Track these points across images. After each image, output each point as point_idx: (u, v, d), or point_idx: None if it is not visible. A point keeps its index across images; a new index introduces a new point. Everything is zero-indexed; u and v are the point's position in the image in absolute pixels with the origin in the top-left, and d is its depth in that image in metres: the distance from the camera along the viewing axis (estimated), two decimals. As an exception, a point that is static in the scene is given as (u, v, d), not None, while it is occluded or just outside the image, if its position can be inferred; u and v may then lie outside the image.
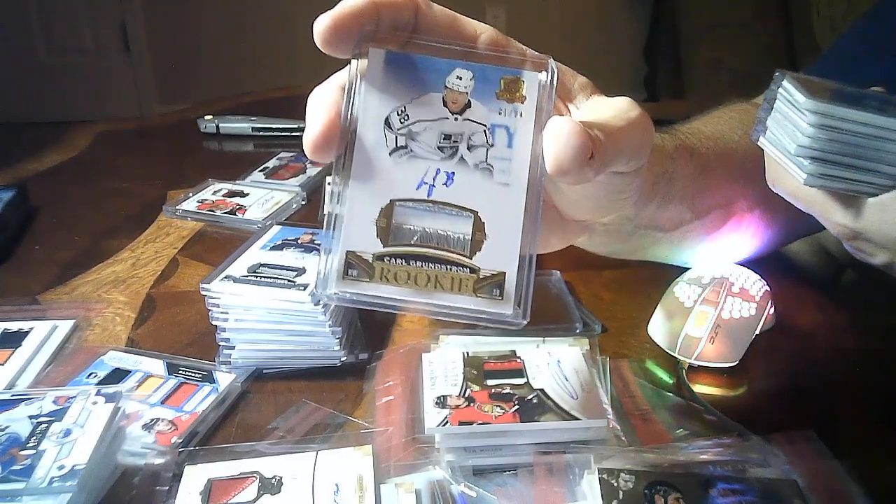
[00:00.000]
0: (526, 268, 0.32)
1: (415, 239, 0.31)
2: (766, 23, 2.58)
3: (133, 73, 3.23)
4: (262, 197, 0.78)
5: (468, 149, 0.32)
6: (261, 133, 1.03)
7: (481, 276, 0.31)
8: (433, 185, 0.32)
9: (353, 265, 0.31)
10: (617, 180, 0.35)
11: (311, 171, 0.86)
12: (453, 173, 0.32)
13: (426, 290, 0.31)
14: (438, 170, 0.32)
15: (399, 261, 0.31)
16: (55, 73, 3.14)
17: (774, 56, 2.47)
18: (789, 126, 0.38)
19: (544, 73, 0.32)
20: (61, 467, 0.37)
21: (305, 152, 0.31)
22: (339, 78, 0.33)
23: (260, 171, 0.87)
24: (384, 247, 0.31)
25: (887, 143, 0.36)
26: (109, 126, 1.09)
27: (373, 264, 0.31)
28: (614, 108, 0.33)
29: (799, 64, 2.45)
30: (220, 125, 1.04)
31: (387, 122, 0.32)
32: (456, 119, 0.32)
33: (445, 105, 0.32)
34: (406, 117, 0.32)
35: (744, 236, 0.55)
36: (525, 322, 0.31)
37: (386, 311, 0.31)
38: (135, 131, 1.14)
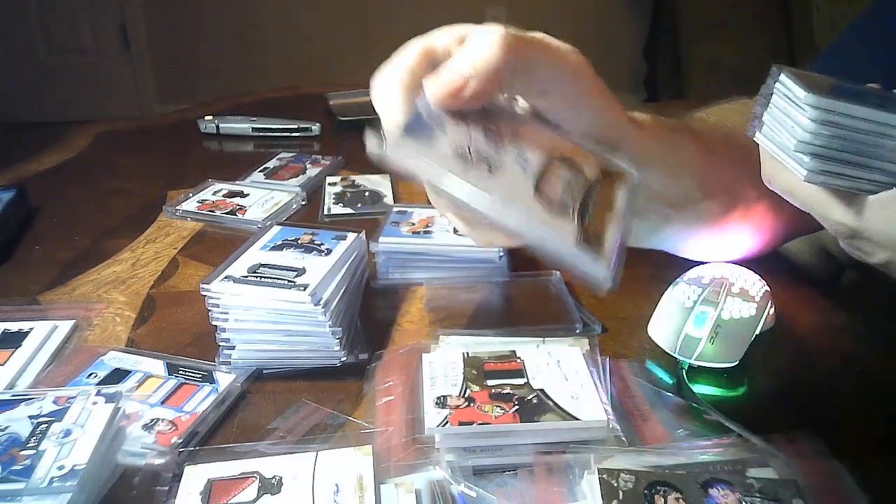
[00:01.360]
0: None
1: None
2: (766, 23, 2.58)
3: (133, 73, 3.23)
4: (262, 197, 0.78)
5: None
6: (261, 133, 1.03)
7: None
8: None
9: None
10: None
11: (311, 171, 0.86)
12: None
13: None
14: None
15: None
16: (55, 73, 3.14)
17: (774, 56, 2.47)
18: (788, 121, 0.37)
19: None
20: (61, 467, 0.37)
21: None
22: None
23: (260, 171, 0.87)
24: None
25: (887, 140, 0.36)
26: (109, 126, 1.09)
27: None
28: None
29: (799, 64, 2.45)
30: (220, 125, 1.04)
31: None
32: None
33: None
34: None
35: (753, 227, 0.55)
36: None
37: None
38: (135, 131, 1.14)
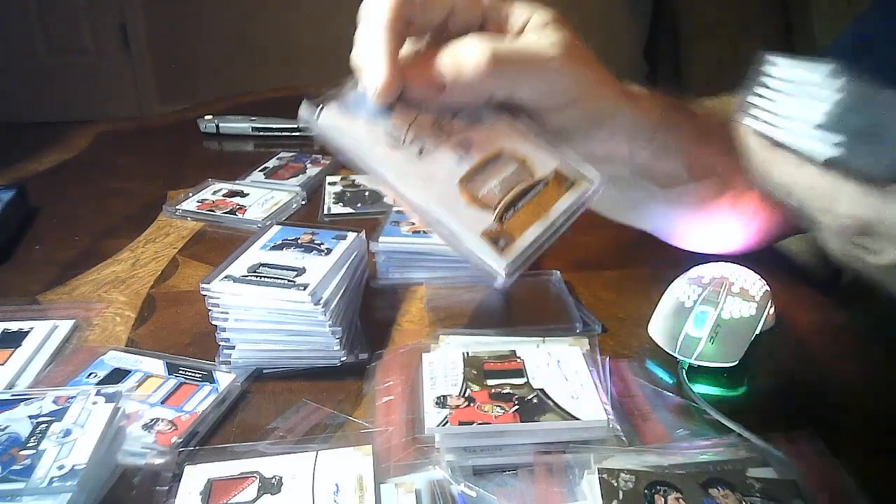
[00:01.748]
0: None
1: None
2: (766, 23, 2.58)
3: (133, 73, 3.23)
4: (262, 197, 0.78)
5: None
6: (261, 133, 1.03)
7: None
8: None
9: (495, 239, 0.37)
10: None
11: (311, 170, 0.86)
12: None
13: None
14: None
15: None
16: (55, 73, 3.14)
17: (774, 56, 2.47)
18: (800, 105, 0.36)
19: None
20: (61, 467, 0.37)
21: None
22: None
23: (260, 170, 0.87)
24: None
25: None
26: (109, 126, 1.09)
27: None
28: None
29: (799, 64, 2.45)
30: (220, 125, 1.04)
31: None
32: None
33: None
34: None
35: (744, 217, 0.54)
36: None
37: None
38: (135, 131, 1.14)
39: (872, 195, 0.35)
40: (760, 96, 0.38)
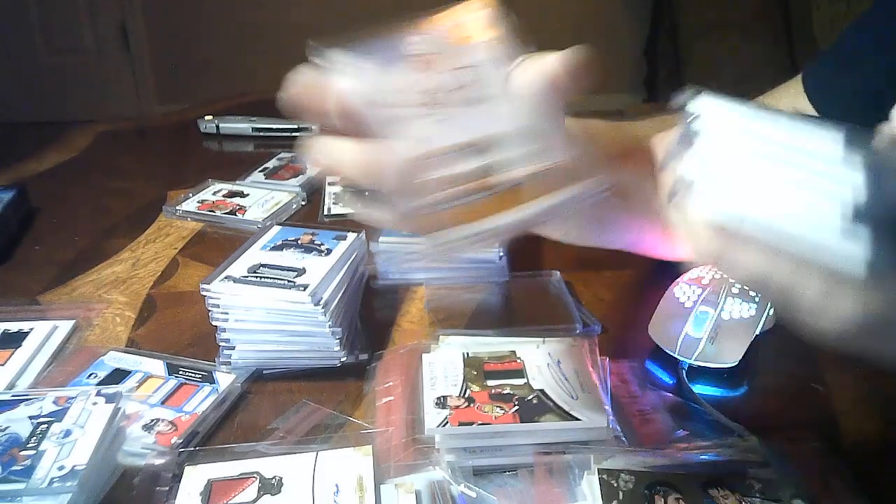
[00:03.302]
0: None
1: None
2: (766, 23, 2.58)
3: (133, 73, 3.23)
4: (262, 197, 0.78)
5: None
6: (261, 133, 1.03)
7: None
8: None
9: None
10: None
11: (312, 171, 0.86)
12: None
13: None
14: None
15: None
16: (55, 73, 3.14)
17: (774, 56, 2.47)
18: (809, 186, 0.25)
19: None
20: (61, 468, 0.37)
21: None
22: None
23: (260, 171, 0.87)
24: None
25: None
26: (109, 126, 1.09)
27: None
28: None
29: (799, 64, 2.45)
30: (220, 125, 1.04)
31: None
32: None
33: None
34: None
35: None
36: None
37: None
38: (135, 131, 1.14)
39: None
40: (700, 164, 0.27)
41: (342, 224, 0.66)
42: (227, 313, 0.48)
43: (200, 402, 0.46)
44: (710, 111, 0.28)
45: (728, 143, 0.27)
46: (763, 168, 0.26)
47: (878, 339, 0.27)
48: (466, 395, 0.43)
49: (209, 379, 0.48)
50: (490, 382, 0.44)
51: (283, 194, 0.78)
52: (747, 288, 0.51)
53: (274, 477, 0.39)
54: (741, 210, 0.26)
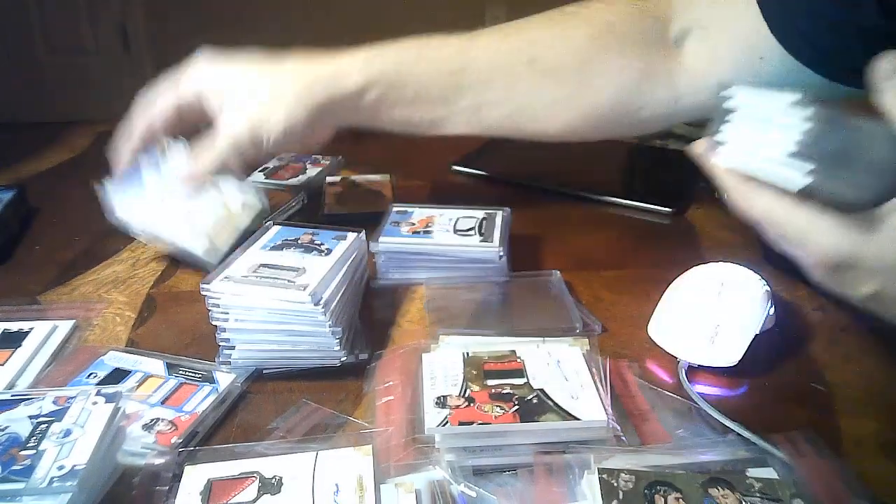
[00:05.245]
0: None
1: None
2: (766, 23, 2.58)
3: (133, 73, 3.23)
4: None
5: None
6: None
7: None
8: None
9: None
10: None
11: (311, 171, 0.86)
12: None
13: None
14: None
15: None
16: (55, 73, 3.14)
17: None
18: (769, 135, 0.35)
19: None
20: (61, 467, 0.37)
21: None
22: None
23: (260, 171, 0.87)
24: None
25: (875, 144, 0.33)
26: (109, 126, 1.08)
27: None
28: None
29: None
30: (220, 125, 1.04)
31: None
32: None
33: None
34: None
35: None
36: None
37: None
38: (135, 131, 1.14)
39: (850, 228, 0.34)
40: (726, 131, 0.37)
41: (342, 224, 0.66)
42: (227, 313, 0.48)
43: (200, 401, 0.46)
44: (734, 97, 0.38)
45: (740, 117, 0.38)
46: (752, 131, 0.37)
47: None
48: (466, 395, 0.43)
49: (209, 379, 0.48)
50: (490, 382, 0.44)
51: (284, 194, 0.78)
52: (747, 289, 0.51)
53: (274, 477, 0.39)
54: (741, 159, 0.38)
